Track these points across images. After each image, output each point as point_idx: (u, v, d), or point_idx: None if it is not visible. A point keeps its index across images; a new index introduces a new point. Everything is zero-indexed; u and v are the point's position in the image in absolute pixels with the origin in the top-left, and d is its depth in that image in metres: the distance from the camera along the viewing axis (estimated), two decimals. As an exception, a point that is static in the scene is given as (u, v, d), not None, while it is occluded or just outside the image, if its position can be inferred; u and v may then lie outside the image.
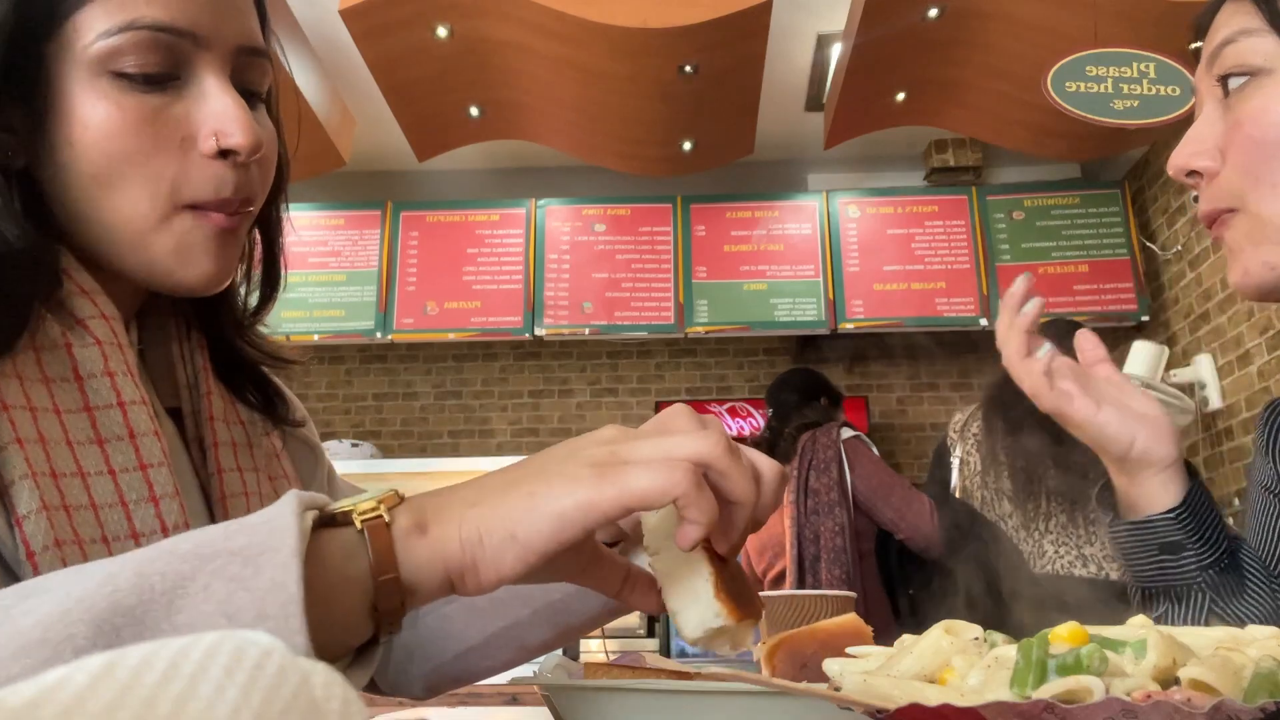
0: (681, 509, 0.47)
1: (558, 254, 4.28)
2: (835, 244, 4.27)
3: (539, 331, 4.19)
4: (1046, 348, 0.79)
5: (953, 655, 0.40)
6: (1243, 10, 0.67)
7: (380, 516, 0.45)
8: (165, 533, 0.59)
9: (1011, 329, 0.79)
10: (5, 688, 0.17)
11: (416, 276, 4.22)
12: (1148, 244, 4.14)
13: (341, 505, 0.46)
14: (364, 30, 3.08)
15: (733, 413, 4.82)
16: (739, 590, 0.52)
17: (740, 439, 4.28)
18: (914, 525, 2.50)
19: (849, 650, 0.48)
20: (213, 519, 0.69)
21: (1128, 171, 4.24)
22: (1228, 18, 0.69)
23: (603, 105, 3.54)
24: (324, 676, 0.21)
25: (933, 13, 3.16)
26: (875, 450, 2.72)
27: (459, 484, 0.49)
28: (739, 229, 4.33)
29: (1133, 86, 2.64)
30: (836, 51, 3.64)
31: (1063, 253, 4.22)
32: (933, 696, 0.36)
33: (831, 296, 4.20)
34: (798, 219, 4.35)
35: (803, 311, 4.21)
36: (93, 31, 0.57)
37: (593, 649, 2.96)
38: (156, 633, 0.38)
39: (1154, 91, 2.62)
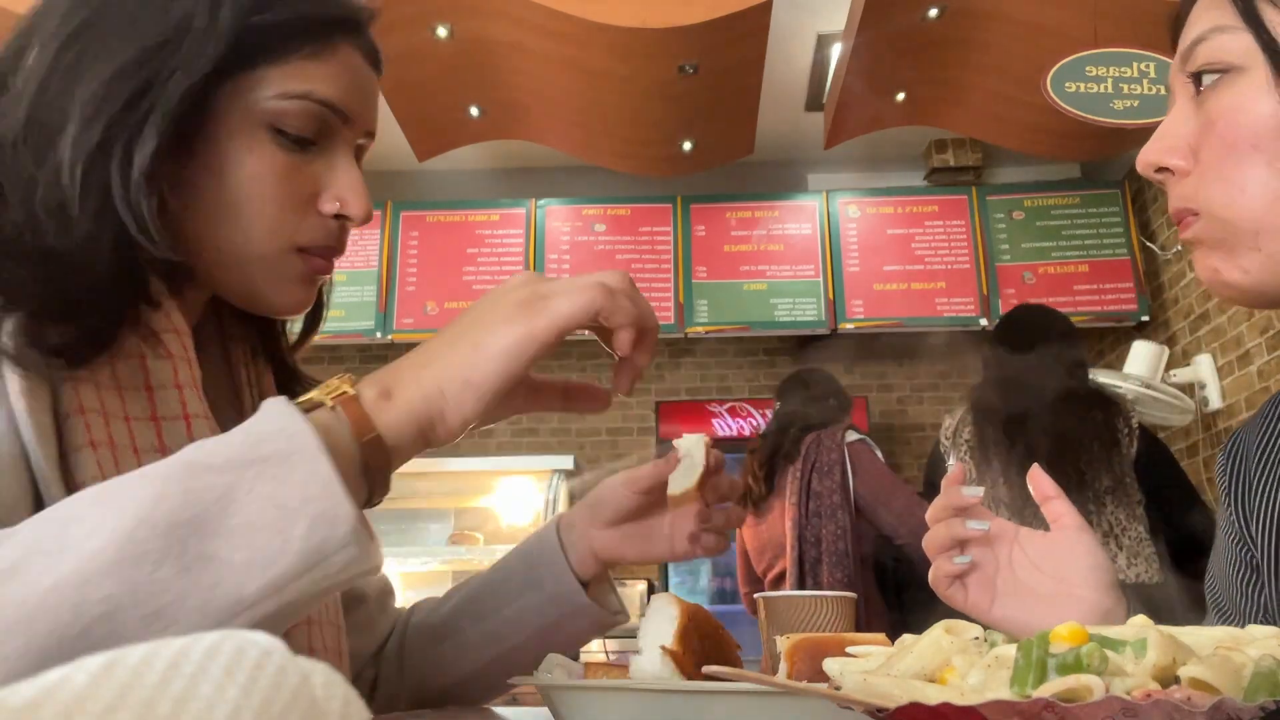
0: (605, 318, 0.57)
1: (558, 254, 4.28)
2: (835, 244, 4.27)
3: (539, 331, 4.19)
4: (966, 559, 0.76)
5: (953, 654, 0.41)
6: (1216, 6, 0.66)
7: (346, 392, 0.52)
8: None
9: (944, 510, 0.77)
10: (5, 688, 0.17)
11: (416, 276, 4.22)
12: (1148, 244, 4.14)
13: (311, 395, 0.52)
14: (364, 30, 3.08)
15: (733, 413, 4.82)
16: (706, 646, 0.58)
17: (741, 439, 4.28)
18: (914, 532, 2.47)
19: (849, 650, 0.48)
20: None
21: (1128, 171, 4.24)
22: (1201, 13, 0.68)
23: (603, 105, 3.54)
24: (324, 676, 0.21)
25: (933, 13, 3.16)
26: (880, 454, 2.69)
27: (405, 354, 0.56)
28: (739, 229, 4.33)
29: (1133, 86, 2.64)
30: (836, 51, 3.64)
31: (1063, 253, 4.22)
32: (933, 696, 0.36)
33: (831, 296, 4.20)
34: (798, 219, 4.35)
35: (803, 311, 4.21)
36: (269, 89, 0.65)
37: (593, 649, 2.96)
38: (218, 534, 0.44)
39: (1154, 91, 2.62)
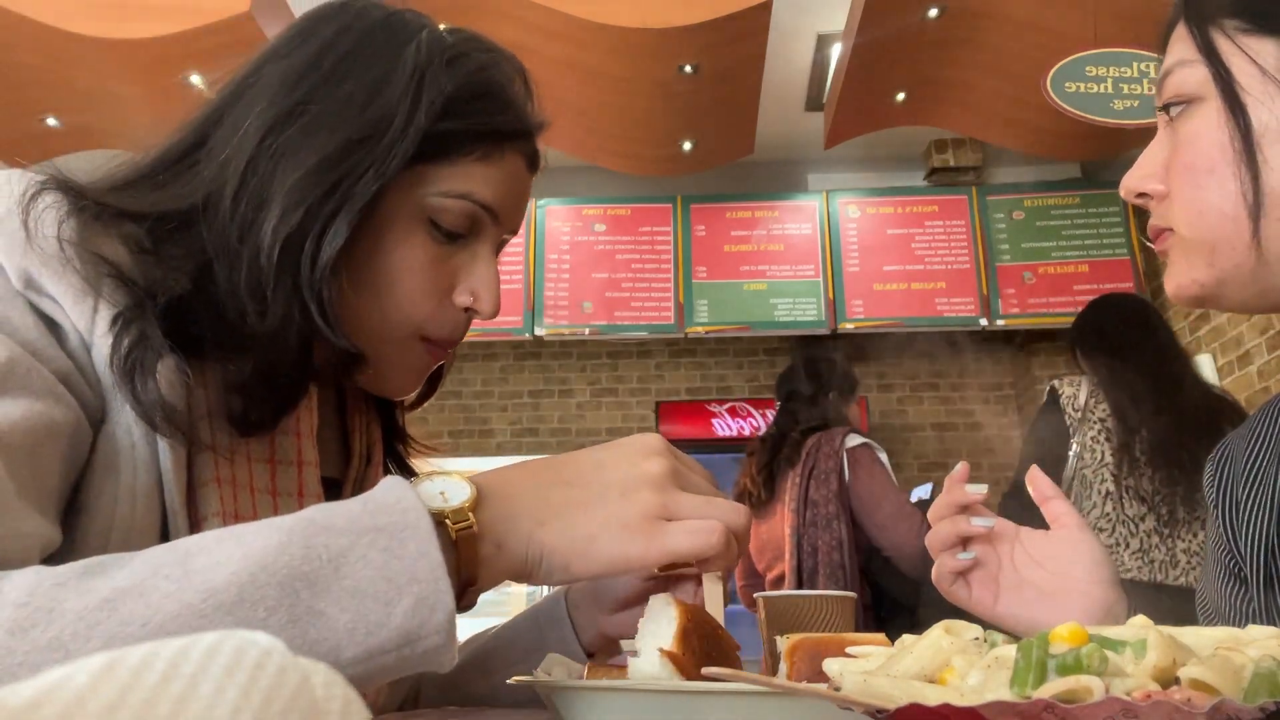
0: (707, 562, 0.60)
1: (558, 254, 4.28)
2: (835, 244, 4.27)
3: (539, 331, 4.19)
4: (970, 555, 0.77)
5: (953, 655, 0.40)
6: (1182, 39, 0.71)
7: (471, 529, 0.53)
8: None
9: (947, 508, 0.78)
10: (5, 688, 0.17)
11: (416, 276, 4.22)
12: (1148, 244, 4.11)
13: (437, 505, 0.53)
14: (364, 30, 3.08)
15: (733, 413, 4.82)
16: (706, 647, 0.57)
17: (742, 439, 4.26)
18: (896, 544, 2.41)
19: (849, 650, 0.48)
20: None
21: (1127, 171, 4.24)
22: (1172, 46, 0.73)
23: (603, 105, 3.54)
24: (324, 676, 0.21)
25: (933, 13, 3.16)
26: (884, 457, 2.59)
27: (523, 479, 0.58)
28: (739, 229, 4.34)
29: (1133, 86, 2.64)
30: (836, 51, 3.64)
31: (1063, 253, 4.22)
32: (933, 696, 0.36)
33: (831, 296, 4.20)
34: (798, 219, 4.35)
35: (803, 311, 4.21)
36: (434, 185, 0.67)
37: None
38: (328, 593, 0.46)
39: (1154, 91, 2.61)
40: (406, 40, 0.68)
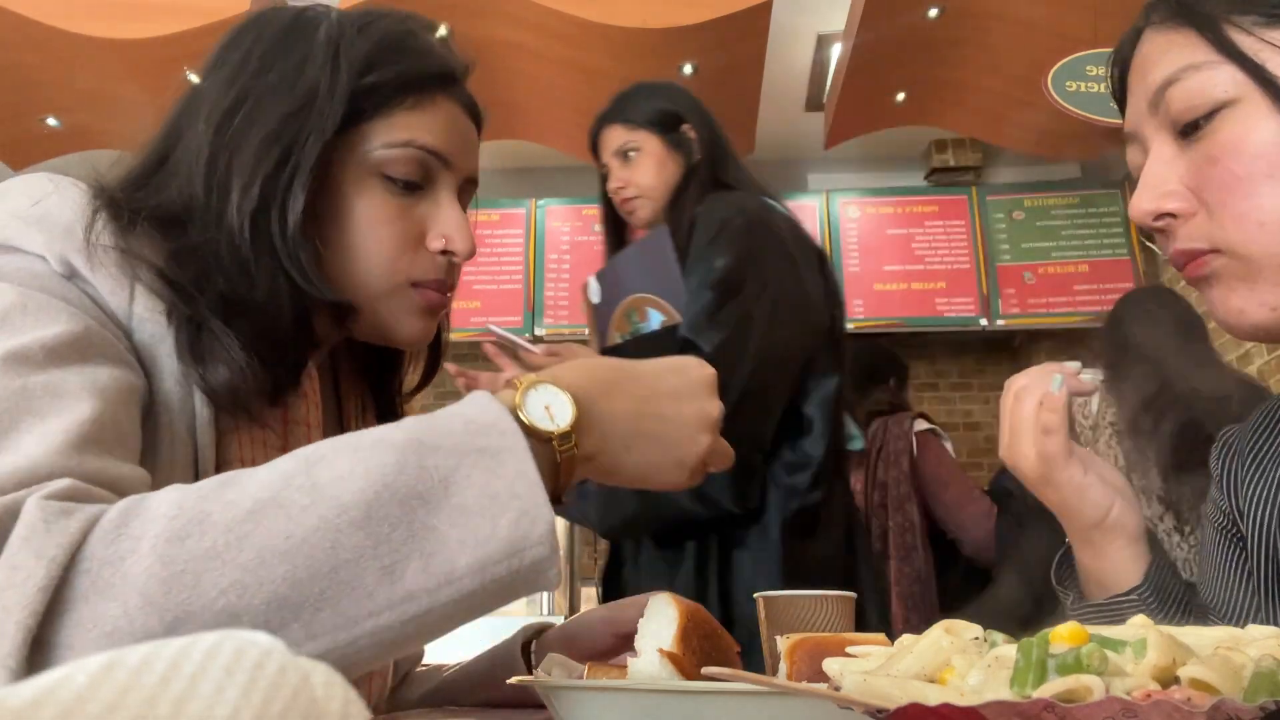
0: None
1: (558, 254, 4.28)
2: (835, 244, 4.27)
3: (539, 331, 4.19)
4: (1079, 369, 0.74)
5: (953, 655, 0.40)
6: (1177, 45, 0.65)
7: (574, 451, 0.57)
8: None
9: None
10: (5, 688, 0.17)
11: (416, 276, 4.22)
12: (1148, 244, 4.14)
13: (546, 427, 0.56)
14: (364, 30, 3.08)
15: (733, 413, 4.81)
16: (706, 647, 0.58)
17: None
18: (963, 527, 2.39)
19: (849, 650, 0.48)
20: None
21: (1127, 171, 4.23)
22: (1158, 56, 0.67)
23: (603, 105, 3.53)
24: (324, 676, 0.21)
25: (933, 13, 3.16)
26: (949, 445, 2.57)
27: (619, 403, 0.62)
28: (739, 229, 4.33)
29: (1133, 86, 2.63)
30: (836, 51, 3.64)
31: (1063, 253, 4.22)
32: (933, 696, 0.36)
33: (831, 296, 4.20)
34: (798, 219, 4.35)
35: (803, 311, 4.21)
36: (376, 140, 0.73)
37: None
38: (440, 510, 0.50)
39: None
40: (319, 24, 0.75)
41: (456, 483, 0.51)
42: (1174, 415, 2.01)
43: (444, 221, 0.77)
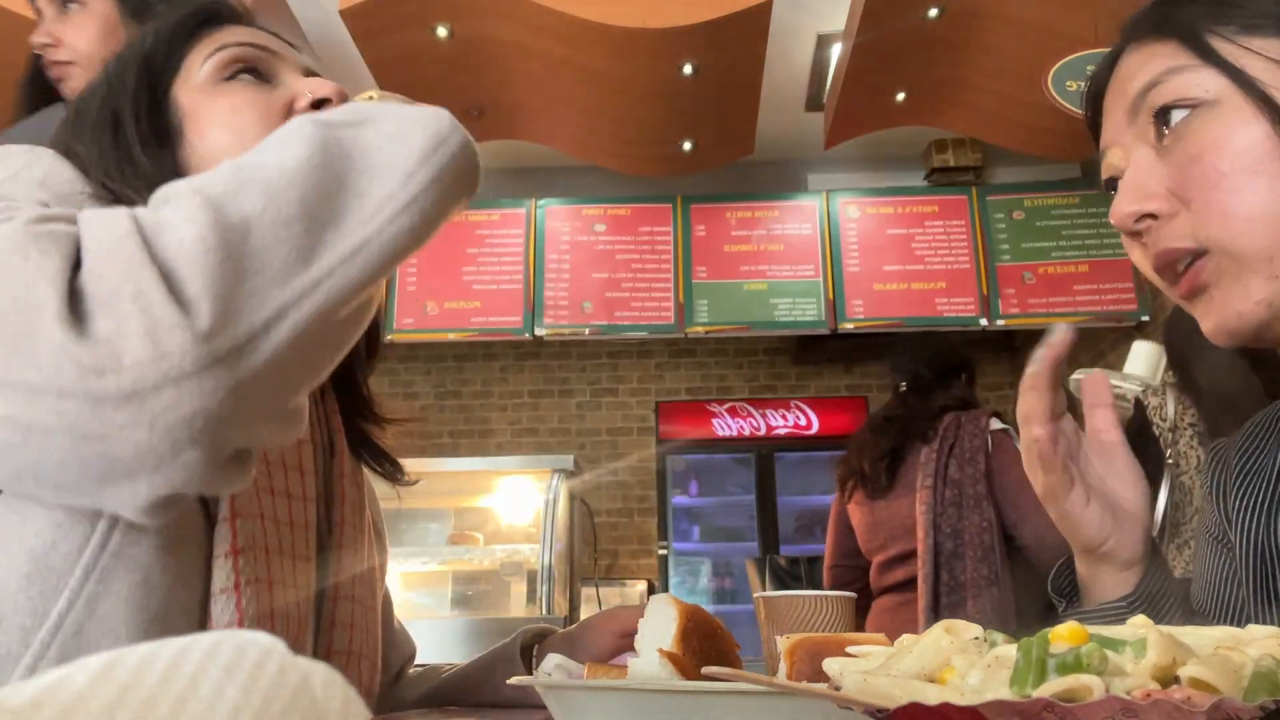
0: None
1: (558, 254, 4.28)
2: (835, 244, 4.27)
3: (539, 331, 4.19)
4: (1062, 331, 0.69)
5: (953, 654, 0.41)
6: (1158, 54, 0.66)
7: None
8: (309, 561, 0.76)
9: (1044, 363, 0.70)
10: (5, 687, 0.17)
11: (416, 276, 4.22)
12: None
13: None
14: (364, 30, 3.09)
15: (733, 413, 4.82)
16: (706, 647, 0.58)
17: (741, 439, 4.23)
18: (1037, 533, 2.29)
19: (849, 650, 0.48)
20: (323, 560, 0.81)
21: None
22: (1139, 66, 0.67)
23: (603, 105, 3.54)
24: (324, 676, 0.21)
25: (933, 13, 3.16)
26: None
27: None
28: (739, 229, 4.34)
29: (1133, 86, 2.63)
30: (836, 51, 3.64)
31: (1063, 253, 4.22)
32: (933, 696, 0.36)
33: (831, 296, 4.20)
34: (798, 219, 4.35)
35: (803, 311, 4.21)
36: (199, 59, 0.78)
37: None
38: (362, 156, 0.61)
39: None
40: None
41: (364, 136, 0.61)
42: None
43: (301, 86, 0.79)
